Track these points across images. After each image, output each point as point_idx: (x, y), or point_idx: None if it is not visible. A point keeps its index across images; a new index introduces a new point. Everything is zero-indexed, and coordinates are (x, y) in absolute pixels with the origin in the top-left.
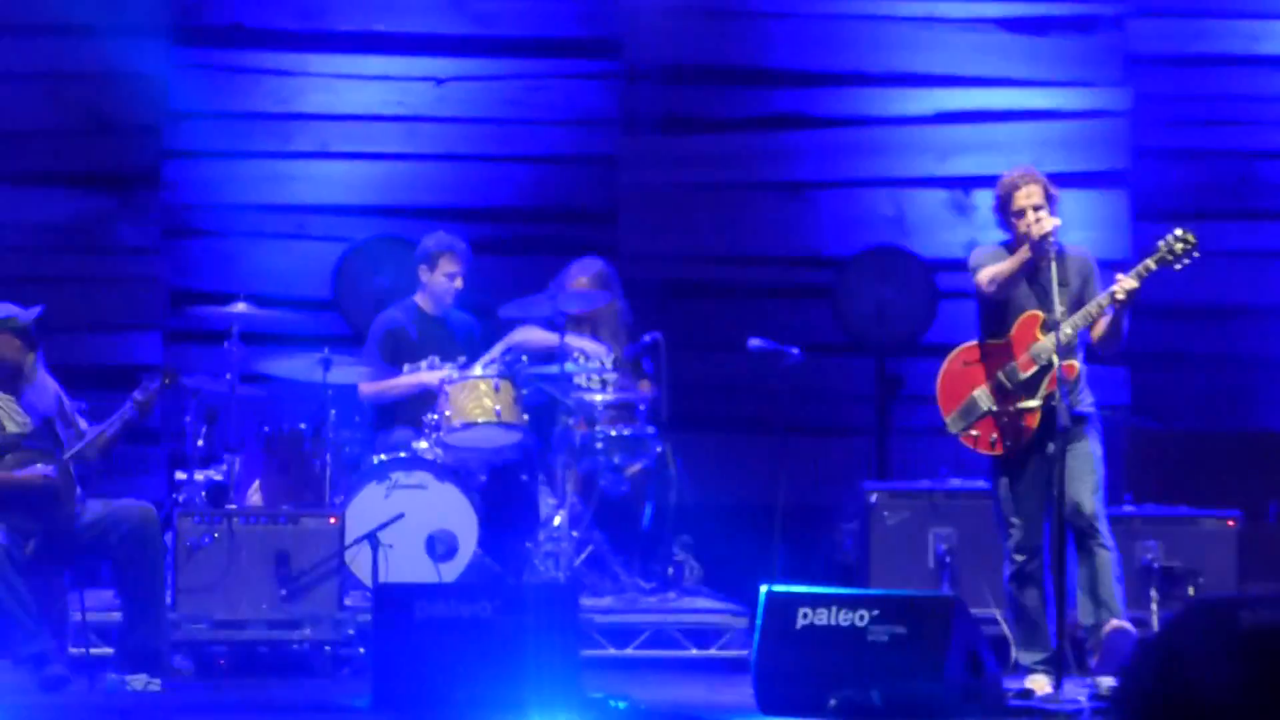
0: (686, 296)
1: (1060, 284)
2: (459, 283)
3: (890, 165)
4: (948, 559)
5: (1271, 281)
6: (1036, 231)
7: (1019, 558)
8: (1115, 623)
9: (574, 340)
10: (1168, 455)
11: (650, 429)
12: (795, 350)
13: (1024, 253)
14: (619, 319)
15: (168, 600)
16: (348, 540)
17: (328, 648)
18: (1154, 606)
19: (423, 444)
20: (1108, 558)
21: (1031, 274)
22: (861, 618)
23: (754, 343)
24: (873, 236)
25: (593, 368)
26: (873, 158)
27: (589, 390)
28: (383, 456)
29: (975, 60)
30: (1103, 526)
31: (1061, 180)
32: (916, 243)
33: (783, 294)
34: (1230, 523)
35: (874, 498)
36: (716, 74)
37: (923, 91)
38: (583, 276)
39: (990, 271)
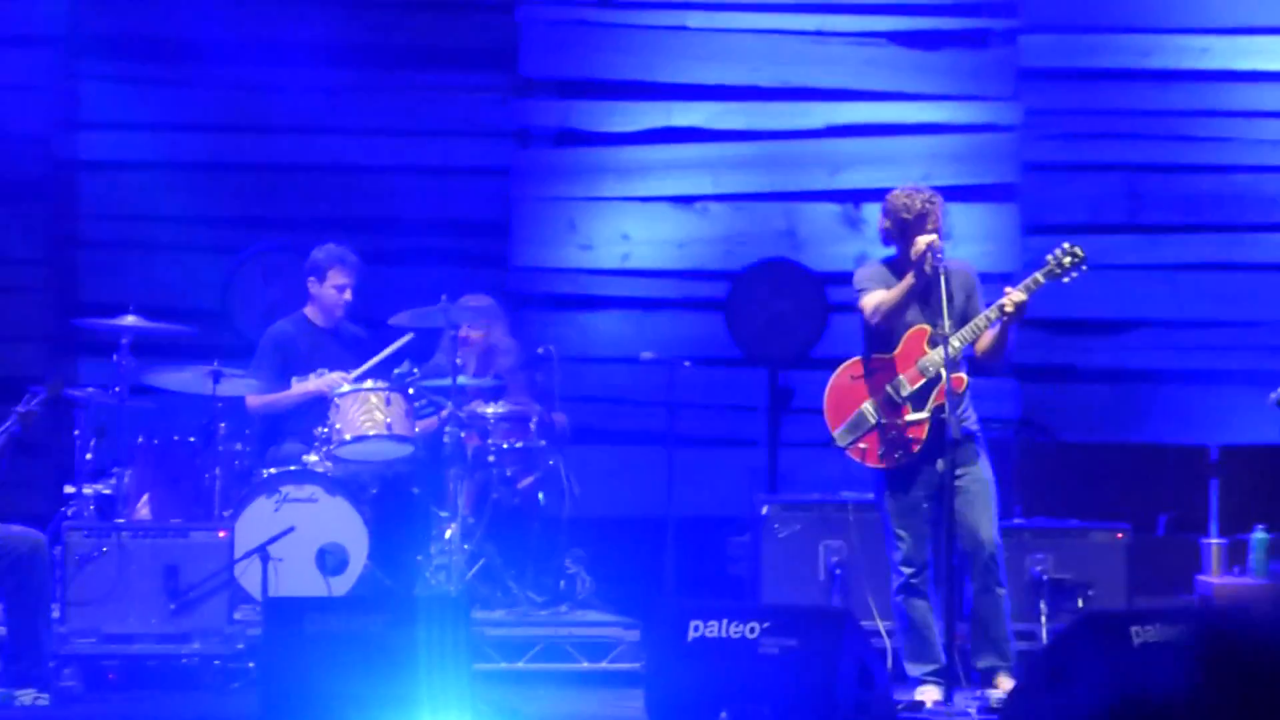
0: (578, 309)
1: (947, 299)
2: (349, 295)
3: (782, 179)
4: (838, 571)
5: (1160, 295)
6: (913, 253)
7: (906, 570)
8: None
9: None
10: (1057, 468)
11: (542, 441)
12: (687, 362)
13: (909, 279)
14: (514, 356)
15: (55, 618)
16: (237, 554)
17: (217, 662)
18: (1043, 619)
19: (313, 457)
20: (1002, 596)
21: (920, 290)
22: (752, 630)
23: (646, 355)
24: (764, 249)
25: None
26: (764, 171)
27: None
28: (272, 470)
29: (867, 74)
30: (1000, 559)
31: (952, 194)
32: (808, 256)
33: (675, 307)
34: (1119, 535)
35: (765, 510)
36: (609, 87)
37: (814, 105)
38: (474, 300)
39: (875, 300)
